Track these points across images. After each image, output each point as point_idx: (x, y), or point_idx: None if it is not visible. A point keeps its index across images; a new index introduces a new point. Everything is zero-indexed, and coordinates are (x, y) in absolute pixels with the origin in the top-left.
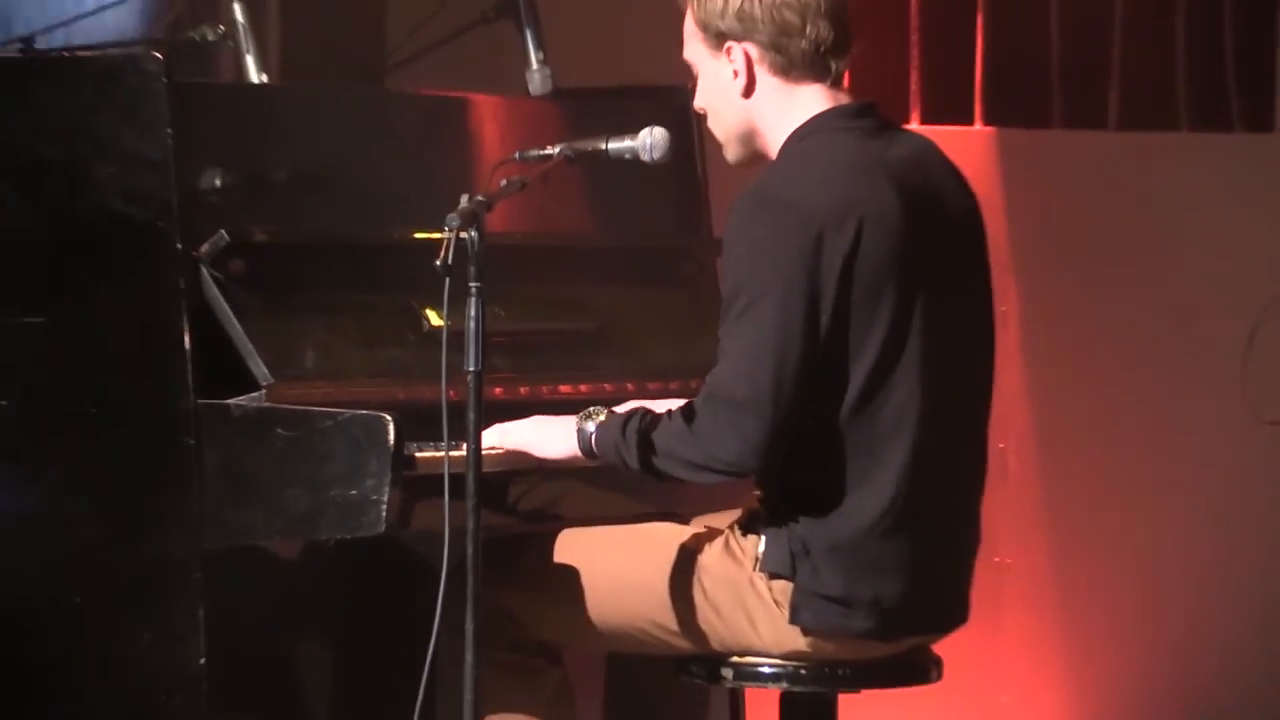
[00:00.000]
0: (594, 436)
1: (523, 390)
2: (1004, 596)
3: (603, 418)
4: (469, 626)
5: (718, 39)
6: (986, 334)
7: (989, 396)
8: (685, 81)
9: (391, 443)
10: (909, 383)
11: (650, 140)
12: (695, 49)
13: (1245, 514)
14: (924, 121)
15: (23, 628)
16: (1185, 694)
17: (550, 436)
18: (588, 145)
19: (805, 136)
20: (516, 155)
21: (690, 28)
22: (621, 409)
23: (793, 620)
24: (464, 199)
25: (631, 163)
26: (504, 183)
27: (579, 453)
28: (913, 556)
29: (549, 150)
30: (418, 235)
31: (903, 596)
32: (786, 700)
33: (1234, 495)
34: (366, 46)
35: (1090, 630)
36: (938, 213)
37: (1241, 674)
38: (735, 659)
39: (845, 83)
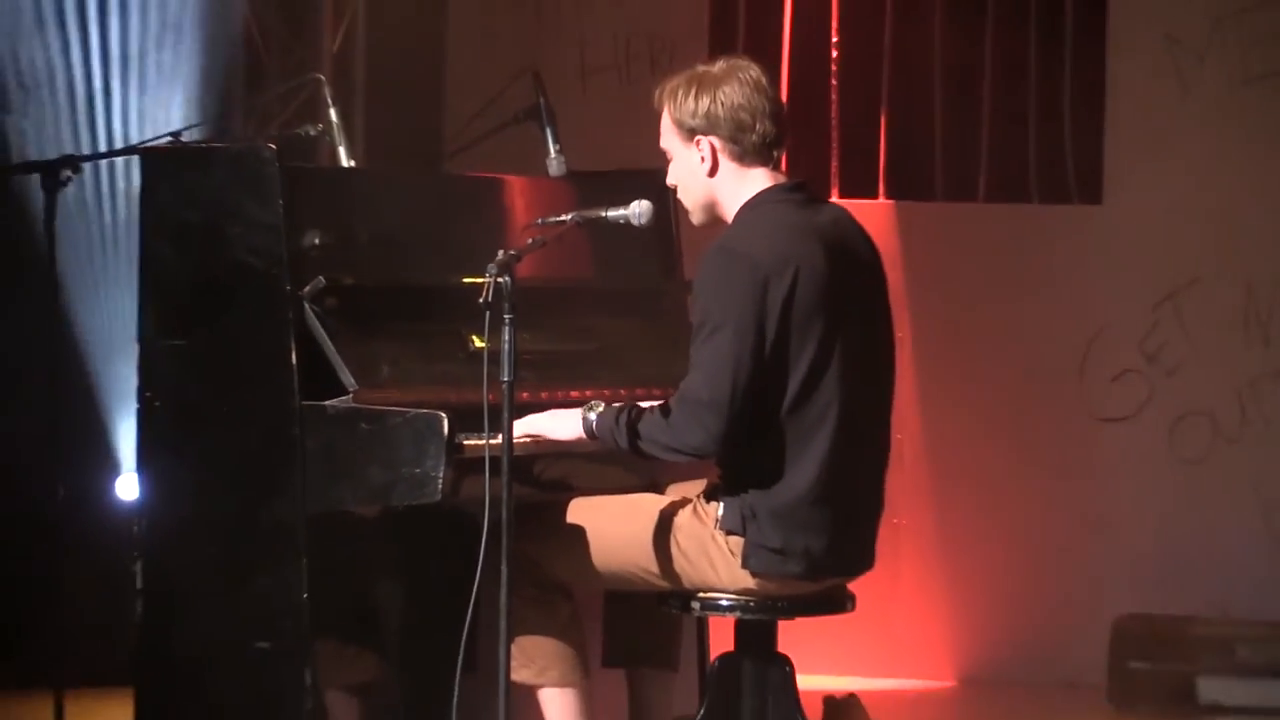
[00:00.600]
0: (594, 423)
1: (543, 394)
2: (900, 549)
3: (601, 409)
4: (503, 571)
5: (689, 133)
6: (888, 354)
7: (890, 400)
8: (661, 165)
9: (445, 434)
10: (831, 389)
11: (638, 210)
12: (670, 139)
13: (1080, 486)
14: (841, 195)
15: (179, 565)
16: (1034, 621)
17: (562, 424)
18: (591, 213)
19: (755, 207)
20: (539, 221)
21: (667, 123)
22: (615, 405)
23: (743, 566)
24: (500, 253)
25: (624, 226)
26: (529, 241)
27: (583, 435)
28: (833, 518)
29: (563, 217)
30: (465, 280)
31: (825, 548)
32: (739, 626)
33: (1073, 471)
34: (428, 140)
35: (965, 574)
36: (852, 264)
37: (1075, 603)
38: (701, 595)
39: (784, 166)
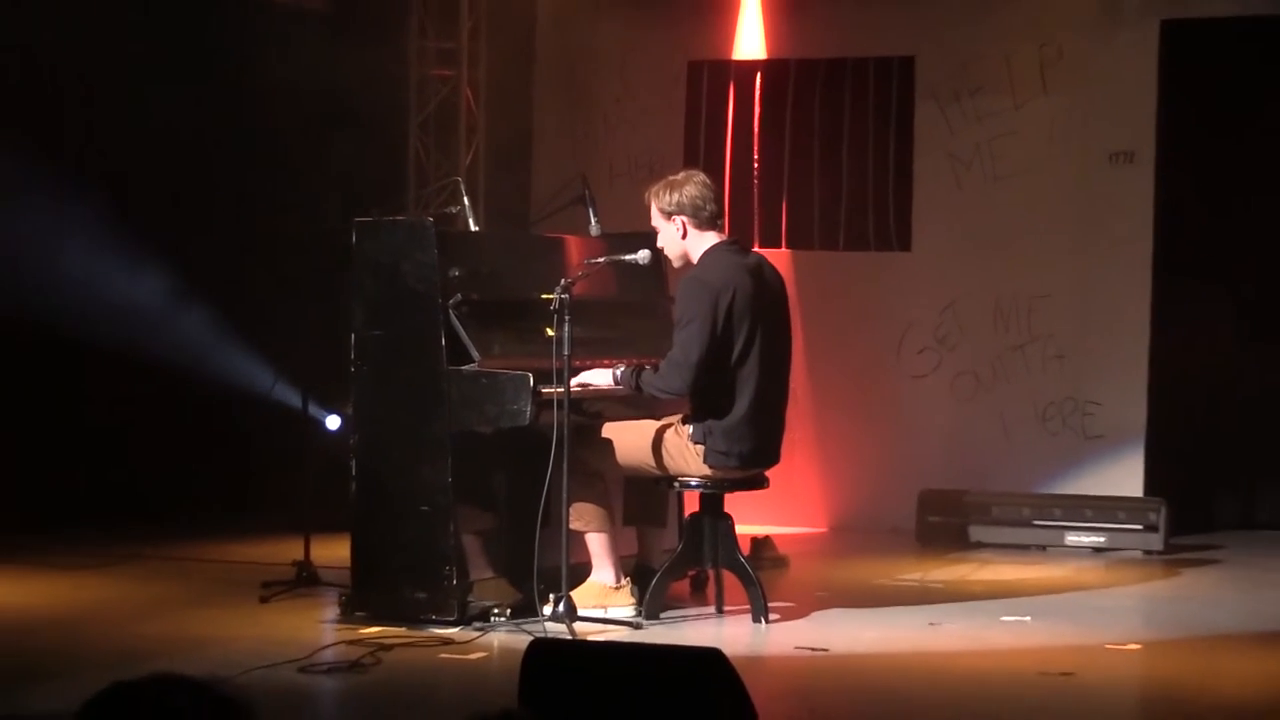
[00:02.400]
0: (619, 377)
1: (588, 361)
2: (794, 451)
3: (622, 369)
4: (563, 465)
5: (668, 215)
6: (787, 338)
7: (789, 363)
8: (654, 231)
9: (531, 385)
10: (754, 358)
11: (642, 256)
12: (657, 219)
13: (900, 416)
14: (760, 246)
15: (376, 462)
16: (874, 493)
17: (599, 377)
18: (615, 258)
19: (709, 254)
20: (586, 262)
21: (654, 210)
22: (631, 366)
23: (704, 462)
24: (562, 281)
25: (634, 265)
26: (579, 273)
27: (613, 385)
28: (755, 434)
29: (599, 260)
30: (543, 296)
31: (751, 451)
32: (702, 497)
33: (896, 407)
34: (521, 212)
35: (833, 465)
36: (767, 287)
37: (897, 482)
38: (679, 479)
39: (725, 229)
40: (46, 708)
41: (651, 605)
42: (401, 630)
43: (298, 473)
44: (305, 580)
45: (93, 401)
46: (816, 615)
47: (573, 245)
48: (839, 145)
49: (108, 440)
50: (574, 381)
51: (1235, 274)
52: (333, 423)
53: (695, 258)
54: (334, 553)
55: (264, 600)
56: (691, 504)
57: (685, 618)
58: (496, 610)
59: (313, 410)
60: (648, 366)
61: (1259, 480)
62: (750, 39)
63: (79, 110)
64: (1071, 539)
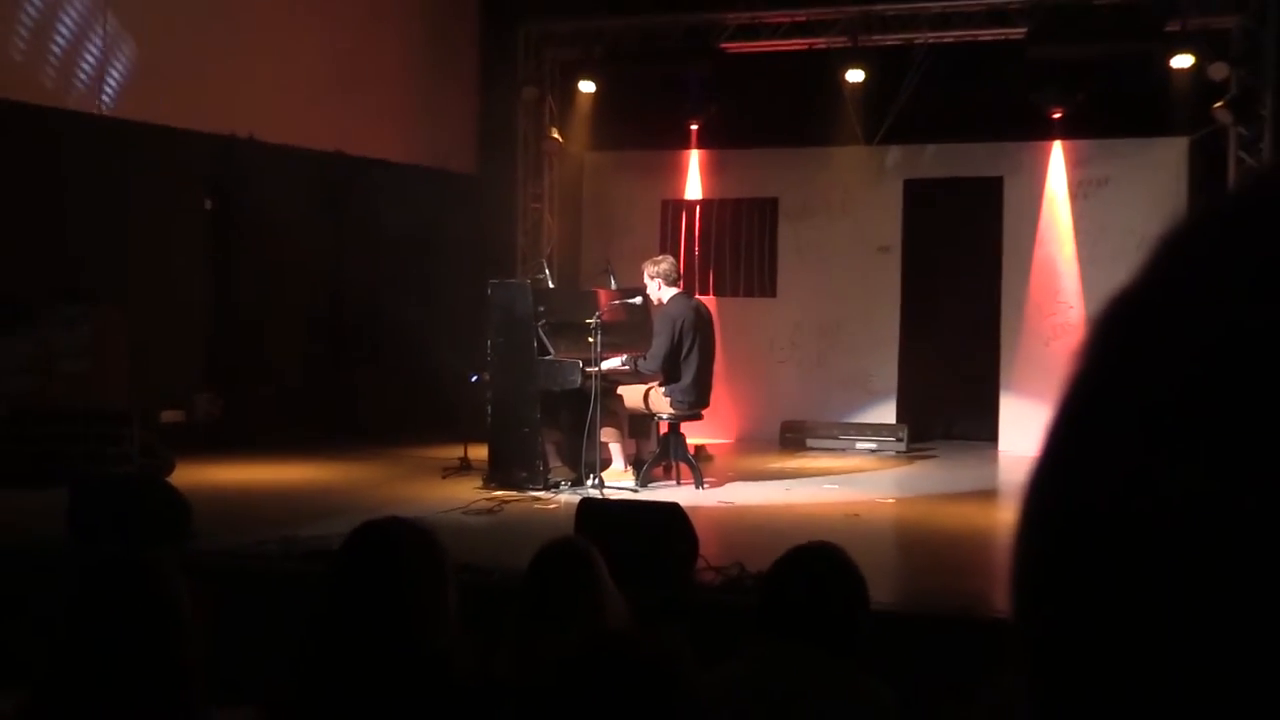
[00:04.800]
0: (625, 362)
1: (610, 354)
2: (716, 399)
3: (627, 358)
4: (595, 409)
5: (651, 277)
6: (713, 343)
7: (713, 357)
8: (642, 285)
9: (581, 366)
10: (695, 353)
11: (637, 299)
12: (647, 280)
13: (775, 378)
14: (699, 294)
15: (505, 406)
16: (756, 422)
17: (615, 362)
18: (623, 300)
19: (673, 299)
20: (612, 303)
21: (645, 275)
22: (633, 356)
23: (670, 406)
24: (596, 313)
25: (636, 304)
26: (605, 309)
27: (622, 367)
28: (696, 391)
29: (616, 302)
30: (586, 320)
31: (694, 400)
32: (670, 425)
33: (772, 377)
34: (573, 275)
35: (738, 403)
36: (702, 316)
37: (769, 415)
38: (657, 415)
39: (681, 284)
40: (322, 532)
41: (643, 480)
42: (514, 493)
43: (461, 407)
44: (465, 467)
45: (363, 376)
46: (728, 486)
47: (602, 294)
48: (739, 241)
49: (367, 387)
50: (602, 365)
51: (942, 298)
52: (476, 382)
53: (665, 300)
54: (479, 453)
55: (443, 477)
56: (662, 429)
57: (660, 486)
58: (562, 483)
59: (473, 377)
60: (640, 358)
61: (955, 413)
62: (693, 187)
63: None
64: (860, 445)
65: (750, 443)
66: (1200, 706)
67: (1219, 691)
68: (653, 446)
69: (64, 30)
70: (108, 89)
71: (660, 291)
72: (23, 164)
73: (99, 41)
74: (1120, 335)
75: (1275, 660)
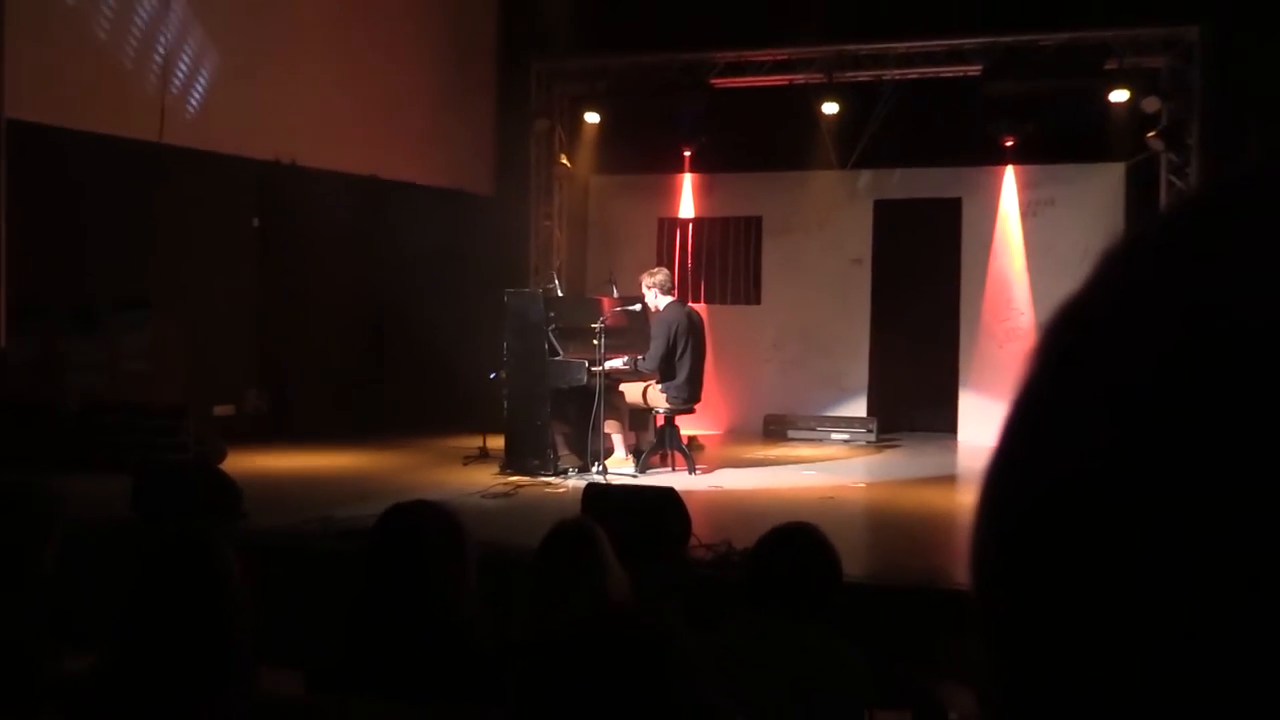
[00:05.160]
0: (626, 362)
1: (613, 356)
2: (707, 395)
3: (627, 358)
4: (600, 404)
5: (649, 287)
6: (704, 346)
7: (704, 358)
8: (641, 294)
9: (587, 365)
10: (687, 355)
11: (637, 306)
12: (644, 288)
13: (757, 376)
14: (692, 301)
15: (520, 401)
16: (745, 414)
17: (617, 362)
18: (624, 308)
19: (668, 306)
20: (615, 309)
21: (643, 284)
22: (634, 358)
23: (665, 401)
24: (601, 318)
25: (632, 311)
26: (608, 315)
27: (624, 366)
28: (689, 388)
29: (619, 309)
30: (592, 325)
31: (687, 396)
32: (666, 418)
33: (757, 374)
34: (581, 286)
35: (729, 399)
36: (693, 321)
37: (757, 408)
38: (654, 409)
39: (676, 293)
40: (357, 513)
41: (642, 467)
42: (527, 479)
43: (480, 402)
44: (483, 456)
45: (393, 374)
46: (717, 472)
47: (605, 302)
48: (727, 255)
49: (397, 384)
50: (605, 365)
51: (908, 306)
52: (494, 379)
53: (660, 308)
54: (496, 443)
55: (464, 464)
56: (659, 421)
57: (657, 473)
58: (570, 469)
59: (491, 375)
60: (639, 358)
61: (919, 407)
62: (687, 207)
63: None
64: (835, 436)
65: (737, 434)
66: (1139, 676)
67: (1159, 662)
68: (650, 437)
69: (152, 71)
70: (173, 120)
71: (657, 300)
72: (92, 186)
73: (177, 81)
74: (1069, 339)
75: (1218, 638)
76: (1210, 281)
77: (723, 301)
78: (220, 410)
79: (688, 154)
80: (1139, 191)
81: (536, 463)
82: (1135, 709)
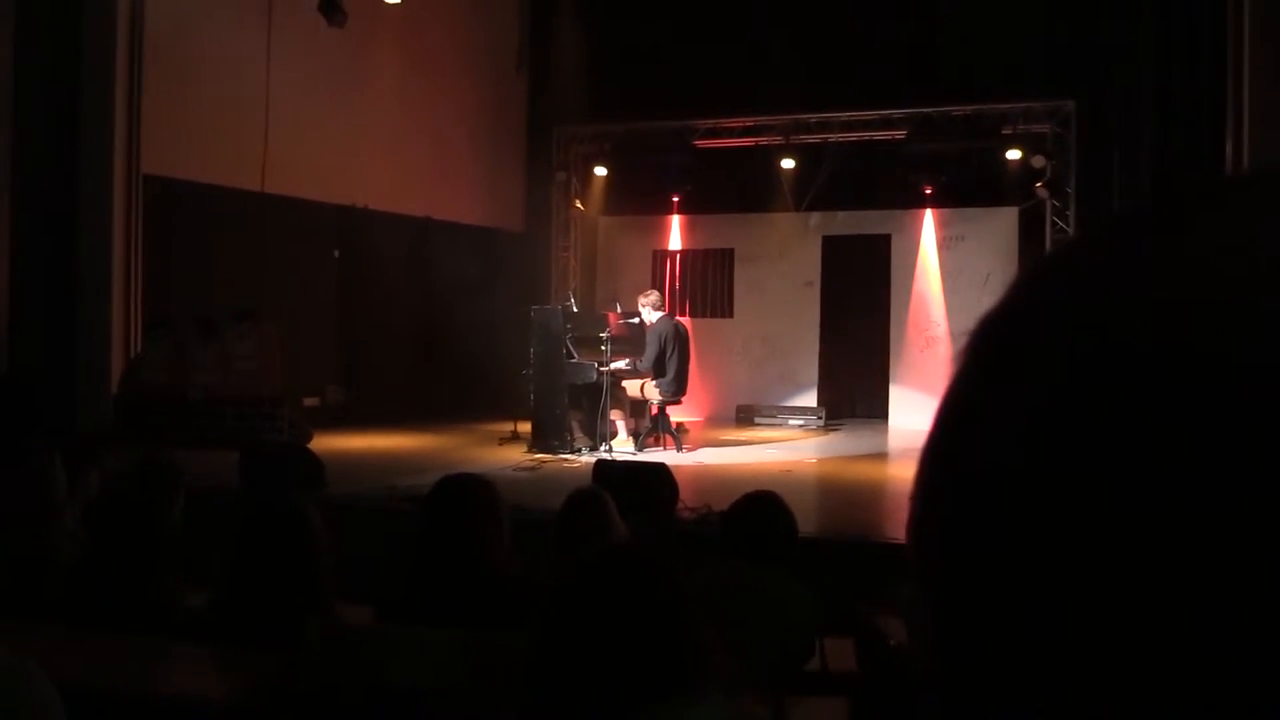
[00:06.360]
0: (627, 363)
1: (615, 357)
2: (691, 389)
3: (628, 360)
4: (606, 397)
5: (645, 306)
6: (688, 351)
7: (689, 360)
8: (637, 311)
9: (596, 366)
10: (674, 358)
11: (635, 320)
12: (640, 306)
13: (733, 371)
14: (679, 316)
15: (543, 393)
16: (722, 406)
17: (620, 363)
18: (625, 320)
19: (659, 320)
20: (619, 321)
21: (639, 303)
22: (634, 359)
23: (659, 396)
24: (607, 328)
25: (632, 324)
26: (615, 326)
27: (625, 367)
28: (676, 384)
29: (621, 322)
30: (599, 335)
31: (675, 391)
32: (659, 407)
33: (727, 374)
34: (592, 304)
35: (706, 392)
36: (680, 331)
37: (730, 398)
38: (650, 401)
39: (664, 308)
40: (415, 483)
41: (640, 446)
42: (549, 456)
43: (511, 395)
44: (514, 437)
45: (443, 373)
46: (699, 450)
47: (610, 316)
48: (706, 279)
49: (446, 381)
50: (611, 365)
51: (849, 319)
52: (525, 375)
53: (653, 321)
54: (524, 427)
55: (500, 444)
56: (653, 410)
57: (652, 451)
58: (583, 448)
59: (523, 372)
60: (638, 360)
61: (857, 398)
62: (675, 241)
63: None
64: (791, 421)
65: (715, 420)
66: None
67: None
68: (647, 422)
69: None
70: (272, 171)
71: (650, 315)
72: (211, 225)
73: (261, 142)
74: (987, 346)
75: (1127, 613)
76: (1104, 298)
77: (703, 315)
78: (308, 402)
79: (676, 199)
80: (1029, 229)
81: (556, 443)
82: (1021, 636)
